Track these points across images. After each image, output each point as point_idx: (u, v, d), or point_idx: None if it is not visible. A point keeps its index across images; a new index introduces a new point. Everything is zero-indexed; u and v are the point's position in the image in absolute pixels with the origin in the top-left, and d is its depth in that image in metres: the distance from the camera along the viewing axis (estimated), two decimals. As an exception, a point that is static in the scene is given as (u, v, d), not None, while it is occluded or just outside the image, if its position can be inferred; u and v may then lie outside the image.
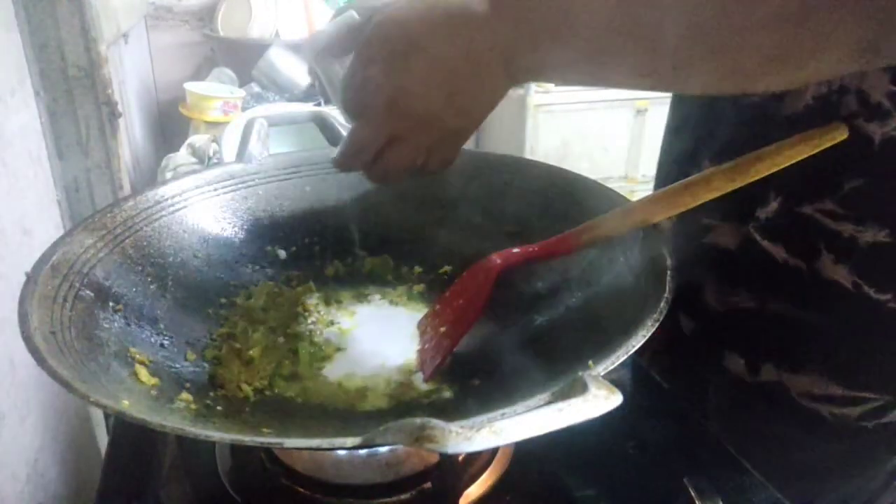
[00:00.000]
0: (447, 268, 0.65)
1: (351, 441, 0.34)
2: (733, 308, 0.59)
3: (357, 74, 0.46)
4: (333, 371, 0.54)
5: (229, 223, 0.63)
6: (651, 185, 0.75)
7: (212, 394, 0.50)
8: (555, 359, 0.49)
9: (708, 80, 0.40)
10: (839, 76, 0.47)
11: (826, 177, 0.50)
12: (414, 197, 0.68)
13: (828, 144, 0.45)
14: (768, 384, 0.58)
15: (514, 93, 2.29)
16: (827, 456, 0.58)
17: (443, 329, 0.54)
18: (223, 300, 0.60)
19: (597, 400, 0.32)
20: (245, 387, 0.51)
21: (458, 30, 0.43)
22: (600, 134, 2.25)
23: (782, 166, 0.45)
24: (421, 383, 0.52)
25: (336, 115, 1.14)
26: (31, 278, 0.46)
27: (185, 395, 0.47)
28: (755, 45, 0.36)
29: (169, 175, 1.12)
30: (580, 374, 0.34)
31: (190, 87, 1.49)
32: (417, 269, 0.66)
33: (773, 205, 0.54)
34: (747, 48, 0.37)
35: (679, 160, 0.65)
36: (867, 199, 0.50)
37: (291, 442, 0.36)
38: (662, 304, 0.43)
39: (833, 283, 0.52)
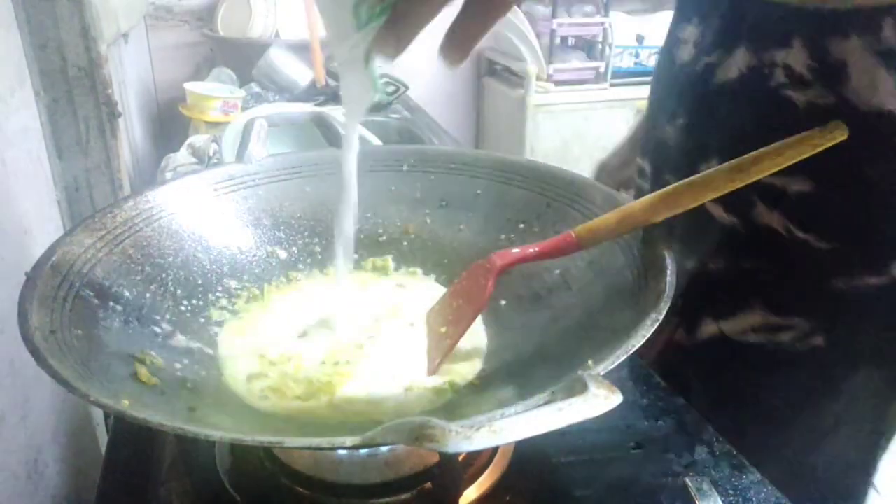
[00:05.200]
0: (448, 267, 0.65)
1: (351, 441, 0.34)
2: (681, 271, 0.62)
3: None
4: (333, 371, 0.54)
5: (229, 223, 0.63)
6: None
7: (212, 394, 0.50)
8: (555, 359, 0.49)
9: None
10: None
11: (757, 138, 0.52)
12: (413, 197, 0.68)
13: (828, 144, 0.45)
14: (707, 341, 0.65)
15: (515, 93, 2.29)
16: (784, 393, 0.63)
17: (443, 329, 0.54)
18: (223, 300, 0.60)
19: (597, 400, 0.32)
20: (245, 387, 0.51)
21: None
22: (600, 134, 2.25)
23: (783, 166, 0.46)
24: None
25: (335, 115, 1.15)
26: (31, 278, 0.46)
27: (185, 395, 0.47)
28: None
29: (169, 175, 1.12)
30: (580, 373, 0.34)
31: (190, 87, 1.49)
32: (417, 269, 0.66)
33: (713, 163, 0.58)
34: None
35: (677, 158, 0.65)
36: None
37: (291, 441, 0.36)
38: (662, 304, 0.43)
39: (767, 228, 0.59)
